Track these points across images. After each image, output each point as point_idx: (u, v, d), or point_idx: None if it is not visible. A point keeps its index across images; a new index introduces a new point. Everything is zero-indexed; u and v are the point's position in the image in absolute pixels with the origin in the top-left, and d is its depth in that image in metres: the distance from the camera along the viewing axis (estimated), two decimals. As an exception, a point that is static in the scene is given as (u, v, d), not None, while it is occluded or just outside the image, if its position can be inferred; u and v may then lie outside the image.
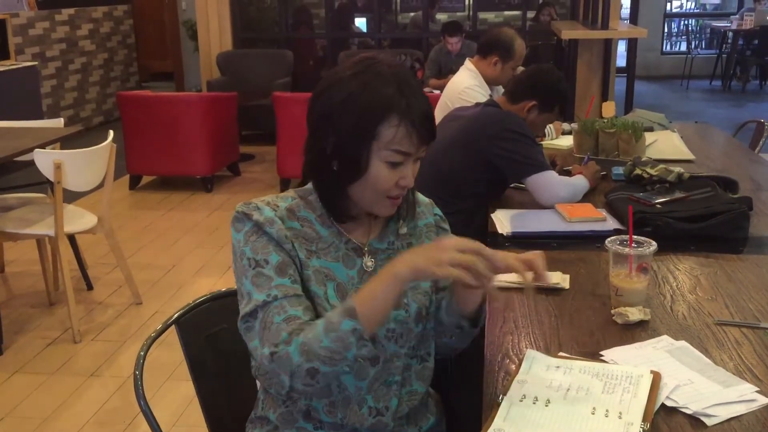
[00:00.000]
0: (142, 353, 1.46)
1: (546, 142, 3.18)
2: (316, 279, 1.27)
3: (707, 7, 13.52)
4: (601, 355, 1.38)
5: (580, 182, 2.39)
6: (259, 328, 1.20)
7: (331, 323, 1.15)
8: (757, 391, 1.24)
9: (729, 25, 10.61)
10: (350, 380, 1.29)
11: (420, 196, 1.45)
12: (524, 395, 1.23)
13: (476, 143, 2.39)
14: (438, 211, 1.46)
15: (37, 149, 3.18)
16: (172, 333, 1.53)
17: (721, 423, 1.17)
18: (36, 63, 6.71)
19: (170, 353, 2.52)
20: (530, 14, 7.89)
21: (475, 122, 2.45)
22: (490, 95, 3.22)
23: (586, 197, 2.37)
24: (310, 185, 1.34)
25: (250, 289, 1.22)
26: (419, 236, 1.40)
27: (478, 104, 2.63)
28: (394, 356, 1.31)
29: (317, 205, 1.32)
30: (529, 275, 1.21)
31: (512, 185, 2.50)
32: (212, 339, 1.53)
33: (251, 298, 1.22)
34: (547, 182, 2.31)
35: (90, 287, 3.82)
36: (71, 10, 7.62)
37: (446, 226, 1.46)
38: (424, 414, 1.42)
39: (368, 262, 1.32)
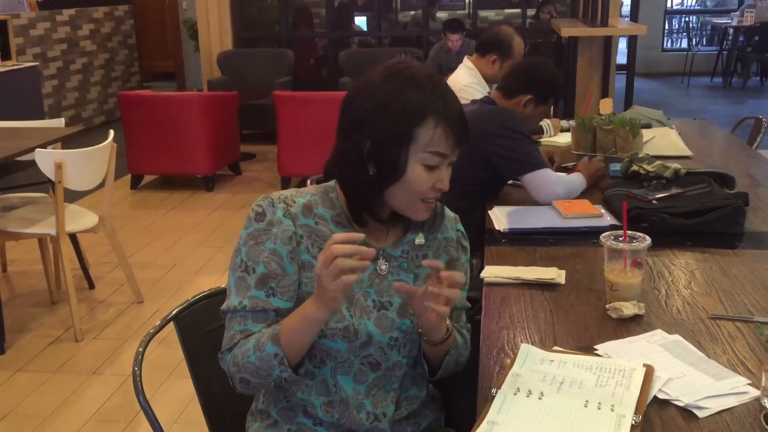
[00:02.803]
0: (140, 350, 1.47)
1: (544, 139, 3.19)
2: None
3: (708, 3, 13.52)
4: (596, 349, 1.39)
5: (577, 180, 2.40)
6: (226, 329, 1.32)
7: (260, 343, 1.24)
8: (748, 384, 1.25)
9: (730, 21, 10.61)
10: (348, 383, 1.31)
11: (446, 210, 1.44)
12: (518, 388, 1.24)
13: (472, 142, 2.38)
14: (461, 227, 1.45)
15: (38, 149, 3.19)
16: (173, 331, 1.55)
17: (713, 415, 1.18)
18: (37, 63, 6.73)
19: (171, 351, 2.55)
20: (530, 12, 7.90)
21: (470, 120, 2.45)
22: (489, 93, 3.23)
23: (583, 194, 2.38)
24: (331, 182, 1.34)
25: (231, 287, 1.30)
26: (437, 249, 1.39)
27: (474, 101, 2.64)
28: (395, 366, 1.33)
29: (336, 204, 1.32)
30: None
31: (510, 182, 2.50)
32: (211, 335, 1.54)
33: (229, 297, 1.31)
34: (544, 180, 2.32)
35: (91, 286, 3.84)
36: (72, 11, 7.64)
37: (467, 244, 1.45)
38: (423, 413, 1.43)
39: (382, 265, 1.32)
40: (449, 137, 1.23)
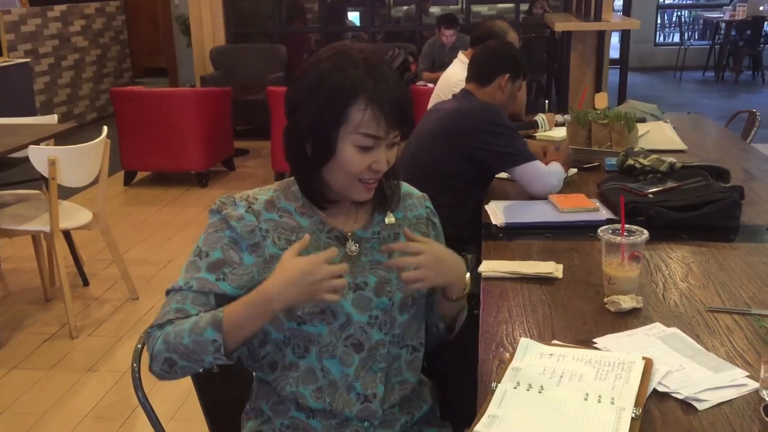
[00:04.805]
0: (139, 345, 1.46)
1: (540, 134, 3.19)
2: None
3: (700, -2, 13.54)
4: (594, 343, 1.39)
5: (560, 169, 2.40)
6: (163, 306, 1.29)
7: (197, 326, 1.21)
8: (747, 376, 1.26)
9: (722, 15, 10.63)
10: (336, 366, 1.31)
11: (412, 189, 1.47)
12: (518, 382, 1.24)
13: (457, 138, 2.38)
14: (430, 204, 1.47)
15: (31, 146, 3.18)
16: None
17: (712, 407, 1.19)
18: (29, 60, 6.69)
19: (167, 347, 2.53)
20: (523, 7, 7.91)
21: (453, 117, 2.43)
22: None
23: (579, 188, 2.38)
24: (293, 177, 1.36)
25: (182, 271, 1.30)
26: (407, 227, 1.40)
27: (454, 96, 2.62)
28: (378, 344, 1.33)
29: (298, 195, 1.35)
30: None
31: (504, 177, 2.50)
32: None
33: (177, 279, 1.29)
34: (536, 172, 2.31)
35: (86, 283, 3.82)
36: (63, 7, 7.60)
37: (436, 220, 1.47)
38: (417, 402, 1.43)
39: (352, 246, 1.33)
40: (380, 120, 1.23)
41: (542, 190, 2.29)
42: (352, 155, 1.25)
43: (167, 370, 1.25)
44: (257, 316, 1.20)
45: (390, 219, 1.39)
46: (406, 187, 1.46)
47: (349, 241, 1.33)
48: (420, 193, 1.47)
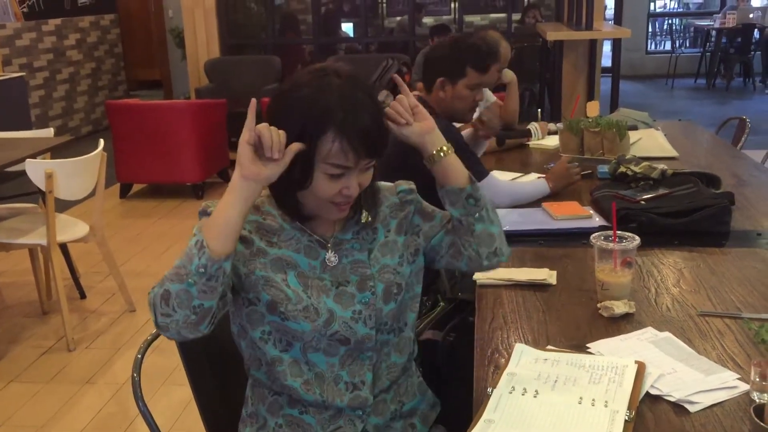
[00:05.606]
0: (139, 356, 1.48)
1: (532, 143, 3.22)
2: (274, 266, 1.31)
3: (690, 6, 13.65)
4: (588, 348, 1.41)
5: (532, 188, 2.38)
6: None
7: (186, 248, 1.21)
8: (738, 379, 1.28)
9: (712, 23, 10.71)
10: (320, 358, 1.32)
11: (382, 184, 1.45)
12: (513, 387, 1.26)
13: (410, 157, 2.35)
14: (402, 187, 1.45)
15: (28, 159, 3.19)
16: (166, 339, 1.55)
17: (704, 409, 1.21)
18: (23, 74, 6.70)
19: (165, 359, 2.55)
20: (515, 17, 7.96)
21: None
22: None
23: (572, 195, 2.41)
24: None
25: None
26: (383, 219, 1.41)
27: None
28: (365, 338, 1.33)
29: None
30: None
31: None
32: (208, 341, 1.55)
33: None
34: (489, 188, 2.25)
35: (83, 296, 3.83)
36: (58, 21, 7.63)
37: (412, 196, 1.45)
38: (408, 391, 1.44)
39: (332, 257, 1.35)
40: (348, 152, 1.23)
41: (499, 205, 2.23)
42: (322, 182, 1.26)
43: (165, 312, 1.19)
44: (228, 201, 1.20)
45: (365, 218, 1.39)
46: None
47: (329, 251, 1.35)
48: (390, 184, 1.47)
